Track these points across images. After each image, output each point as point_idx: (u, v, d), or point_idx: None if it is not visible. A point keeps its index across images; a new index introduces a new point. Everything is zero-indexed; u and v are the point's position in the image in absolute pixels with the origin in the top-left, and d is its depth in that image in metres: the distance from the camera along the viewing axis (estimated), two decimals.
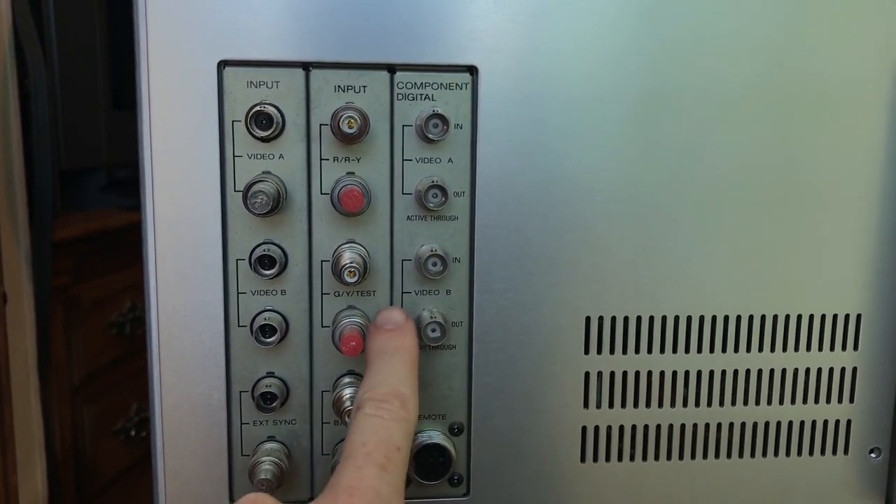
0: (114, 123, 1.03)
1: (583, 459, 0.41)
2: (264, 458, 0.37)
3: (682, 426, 0.41)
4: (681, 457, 0.41)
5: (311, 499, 0.38)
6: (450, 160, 0.38)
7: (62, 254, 0.89)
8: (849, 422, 0.42)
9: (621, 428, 0.41)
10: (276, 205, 0.35)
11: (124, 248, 1.03)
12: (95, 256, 0.98)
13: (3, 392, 0.73)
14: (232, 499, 0.39)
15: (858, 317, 0.41)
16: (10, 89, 0.80)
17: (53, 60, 0.92)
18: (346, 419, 0.36)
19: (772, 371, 0.41)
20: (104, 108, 1.02)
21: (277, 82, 0.36)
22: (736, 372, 0.41)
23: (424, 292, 0.39)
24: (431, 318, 0.38)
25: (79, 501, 0.97)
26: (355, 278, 0.36)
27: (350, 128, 0.35)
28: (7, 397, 0.74)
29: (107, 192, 1.10)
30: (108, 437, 1.01)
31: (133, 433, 1.06)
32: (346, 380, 0.38)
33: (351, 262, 0.36)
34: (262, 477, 0.37)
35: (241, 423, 0.39)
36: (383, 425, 0.32)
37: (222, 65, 0.36)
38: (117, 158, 1.05)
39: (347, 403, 0.37)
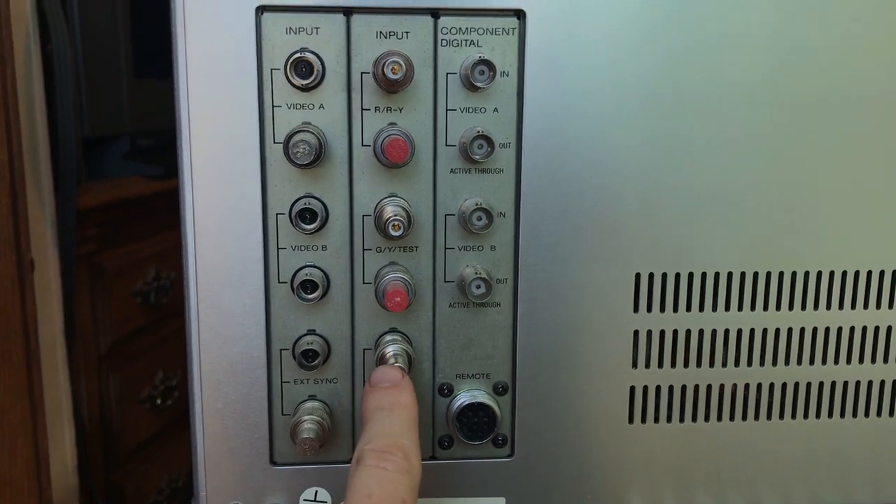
0: (136, 91, 1.02)
1: (630, 420, 0.40)
2: (306, 417, 0.37)
3: (734, 386, 0.40)
4: (731, 418, 0.40)
5: None
6: (495, 110, 0.36)
7: (86, 221, 0.89)
8: None
9: (670, 388, 0.40)
10: (318, 155, 0.34)
11: (148, 216, 1.03)
12: (119, 225, 0.97)
13: (33, 360, 0.73)
14: (272, 458, 0.38)
15: None
16: (32, 55, 0.79)
17: (75, 27, 0.91)
18: None
19: (827, 329, 0.40)
20: (126, 75, 1.01)
21: (317, 28, 0.35)
22: (790, 330, 0.40)
23: (468, 248, 0.37)
24: (476, 274, 0.37)
25: (106, 469, 0.98)
26: (400, 231, 0.35)
27: (394, 73, 0.34)
28: (36, 365, 0.74)
29: (129, 161, 1.10)
30: (133, 406, 1.02)
31: (158, 401, 1.06)
32: (389, 337, 0.37)
33: (395, 216, 0.35)
34: (305, 436, 0.36)
35: (282, 382, 0.38)
36: (387, 477, 0.30)
37: (260, 10, 0.34)
38: (139, 126, 1.04)
39: (391, 360, 0.36)
